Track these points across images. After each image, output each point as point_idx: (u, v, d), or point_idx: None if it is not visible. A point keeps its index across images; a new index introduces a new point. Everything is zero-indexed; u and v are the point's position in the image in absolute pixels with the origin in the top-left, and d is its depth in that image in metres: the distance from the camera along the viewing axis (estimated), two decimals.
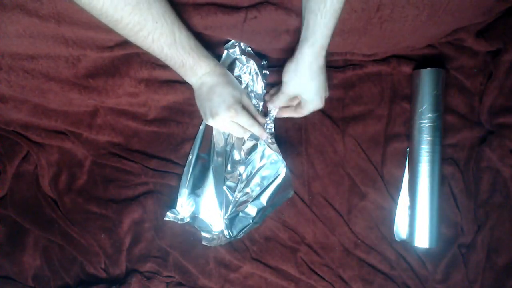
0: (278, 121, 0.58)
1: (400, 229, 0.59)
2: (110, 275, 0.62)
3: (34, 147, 0.60)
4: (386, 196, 0.59)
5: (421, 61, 0.60)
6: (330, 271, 0.60)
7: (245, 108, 0.51)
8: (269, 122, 0.56)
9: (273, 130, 0.57)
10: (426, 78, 0.56)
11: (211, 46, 0.54)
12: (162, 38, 0.43)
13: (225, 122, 0.50)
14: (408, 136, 0.59)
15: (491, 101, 0.57)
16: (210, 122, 0.51)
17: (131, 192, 0.62)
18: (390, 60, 0.60)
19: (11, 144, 0.61)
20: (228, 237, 0.56)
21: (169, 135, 0.61)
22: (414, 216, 0.57)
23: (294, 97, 0.54)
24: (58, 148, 0.61)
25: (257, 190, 0.56)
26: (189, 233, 0.61)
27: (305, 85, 0.49)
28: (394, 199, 0.59)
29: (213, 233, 0.58)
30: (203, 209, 0.58)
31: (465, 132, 0.59)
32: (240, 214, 0.57)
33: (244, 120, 0.51)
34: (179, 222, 0.58)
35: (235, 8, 0.49)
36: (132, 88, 0.55)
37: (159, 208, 0.61)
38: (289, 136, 0.60)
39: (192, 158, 0.59)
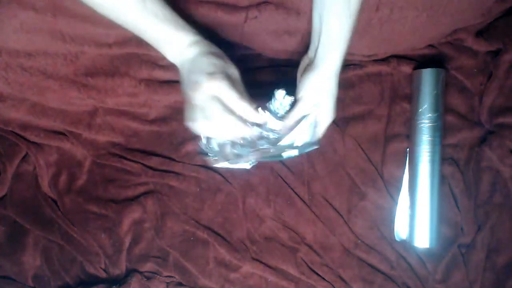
0: None
1: (400, 229, 0.59)
2: (110, 275, 0.62)
3: (32, 147, 0.60)
4: (386, 196, 0.59)
5: (421, 61, 0.60)
6: (330, 271, 0.60)
7: (232, 84, 0.40)
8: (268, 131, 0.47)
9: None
10: (426, 78, 0.56)
11: None
12: (131, 6, 0.38)
13: (206, 98, 0.39)
14: (408, 136, 0.59)
15: (491, 101, 0.57)
16: (189, 105, 0.40)
17: (131, 192, 0.62)
18: (390, 60, 0.60)
19: (11, 144, 0.61)
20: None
21: (171, 134, 0.61)
22: (414, 216, 0.57)
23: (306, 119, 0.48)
24: (57, 149, 0.61)
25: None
26: (189, 233, 0.61)
27: (326, 93, 0.46)
28: (394, 199, 0.59)
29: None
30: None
31: (465, 132, 0.59)
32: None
33: (229, 94, 0.39)
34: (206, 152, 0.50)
35: (236, 8, 0.49)
36: (132, 88, 0.55)
37: (159, 208, 0.61)
38: None
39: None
